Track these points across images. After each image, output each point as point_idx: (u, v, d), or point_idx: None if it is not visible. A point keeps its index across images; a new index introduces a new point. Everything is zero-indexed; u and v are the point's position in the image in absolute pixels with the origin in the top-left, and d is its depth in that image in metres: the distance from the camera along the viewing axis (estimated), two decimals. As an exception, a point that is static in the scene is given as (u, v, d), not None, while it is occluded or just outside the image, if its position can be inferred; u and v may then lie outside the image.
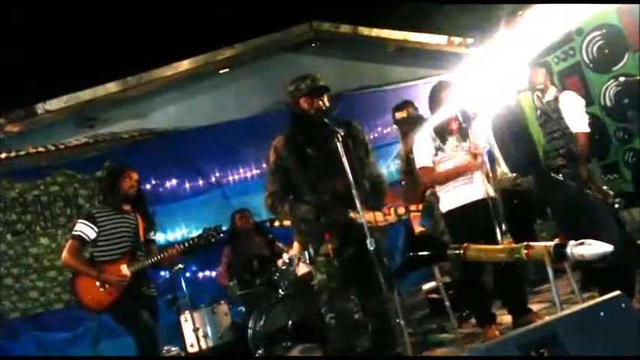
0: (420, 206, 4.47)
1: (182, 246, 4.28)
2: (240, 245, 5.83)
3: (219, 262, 5.93)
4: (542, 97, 4.97)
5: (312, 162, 3.45)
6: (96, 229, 4.07)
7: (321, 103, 3.46)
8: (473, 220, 3.80)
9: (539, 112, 5.00)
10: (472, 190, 3.90)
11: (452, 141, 3.97)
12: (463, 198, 3.93)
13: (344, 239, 3.40)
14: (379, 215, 3.40)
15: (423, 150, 4.05)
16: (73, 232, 4.12)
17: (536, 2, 5.94)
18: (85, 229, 4.06)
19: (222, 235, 4.54)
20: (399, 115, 5.21)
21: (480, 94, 4.18)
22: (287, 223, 4.89)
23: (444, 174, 4.02)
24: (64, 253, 4.09)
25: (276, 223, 5.42)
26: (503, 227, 3.59)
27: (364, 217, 2.99)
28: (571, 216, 4.50)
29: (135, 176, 4.25)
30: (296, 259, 5.23)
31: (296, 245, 5.28)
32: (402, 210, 3.86)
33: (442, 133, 4.00)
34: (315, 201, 3.42)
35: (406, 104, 5.23)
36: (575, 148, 4.62)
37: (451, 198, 4.00)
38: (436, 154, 4.00)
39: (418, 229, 5.07)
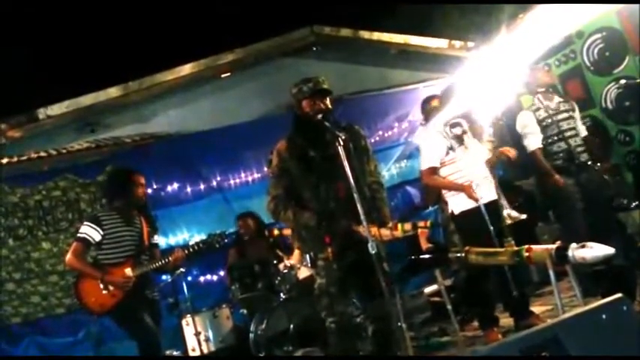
0: (428, 223, 4.43)
1: (187, 250, 4.25)
2: (244, 248, 5.82)
3: (225, 263, 5.91)
4: (547, 98, 4.80)
5: (313, 165, 3.45)
6: (101, 232, 4.04)
7: (322, 105, 3.46)
8: (483, 222, 3.80)
9: (541, 113, 4.82)
10: (482, 193, 3.90)
11: (464, 141, 3.98)
12: (473, 201, 3.93)
13: (344, 243, 3.39)
14: (385, 231, 3.35)
15: (434, 149, 4.06)
16: (78, 235, 4.10)
17: (537, 2, 5.95)
18: (90, 231, 4.04)
19: (226, 240, 4.53)
20: (429, 107, 5.08)
21: (482, 96, 4.18)
22: (287, 232, 4.89)
23: (443, 184, 4.03)
24: (69, 255, 4.06)
25: (275, 232, 5.42)
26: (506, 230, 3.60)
27: (368, 229, 2.96)
28: (575, 216, 4.51)
29: (143, 180, 4.26)
30: (297, 264, 5.22)
31: (296, 253, 5.28)
32: (408, 226, 3.80)
33: (456, 133, 4.00)
34: (317, 208, 3.41)
35: (433, 98, 5.12)
36: (574, 150, 4.62)
37: (461, 200, 4.01)
38: (447, 154, 4.00)
39: (426, 245, 5.01)
